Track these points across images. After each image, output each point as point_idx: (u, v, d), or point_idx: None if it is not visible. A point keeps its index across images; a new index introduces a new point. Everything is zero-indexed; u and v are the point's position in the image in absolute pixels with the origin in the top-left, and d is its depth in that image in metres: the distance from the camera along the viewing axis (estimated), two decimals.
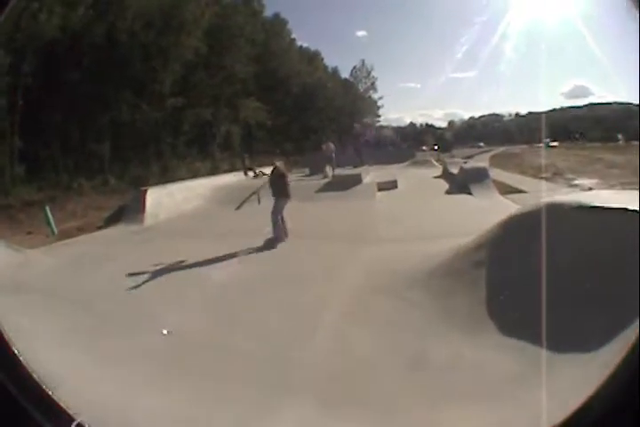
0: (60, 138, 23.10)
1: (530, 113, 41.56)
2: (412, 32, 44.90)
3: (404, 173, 23.23)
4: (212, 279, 9.05)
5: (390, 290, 7.40)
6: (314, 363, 5.52)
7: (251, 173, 25.98)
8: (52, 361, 4.41)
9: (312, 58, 41.68)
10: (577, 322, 4.67)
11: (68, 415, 2.41)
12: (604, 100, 43.98)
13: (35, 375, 2.45)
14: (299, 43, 41.12)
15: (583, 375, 3.31)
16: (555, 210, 6.01)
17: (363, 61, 41.63)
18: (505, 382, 4.52)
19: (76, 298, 8.31)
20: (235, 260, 10.43)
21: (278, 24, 37.90)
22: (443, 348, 5.46)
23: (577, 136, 42.28)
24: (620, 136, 39.68)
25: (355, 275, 8.59)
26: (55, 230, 16.27)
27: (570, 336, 4.55)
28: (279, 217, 12.34)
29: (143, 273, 9.68)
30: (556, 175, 20.69)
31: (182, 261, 10.48)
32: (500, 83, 42.70)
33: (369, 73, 41.66)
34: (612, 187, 16.37)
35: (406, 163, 29.52)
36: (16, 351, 2.49)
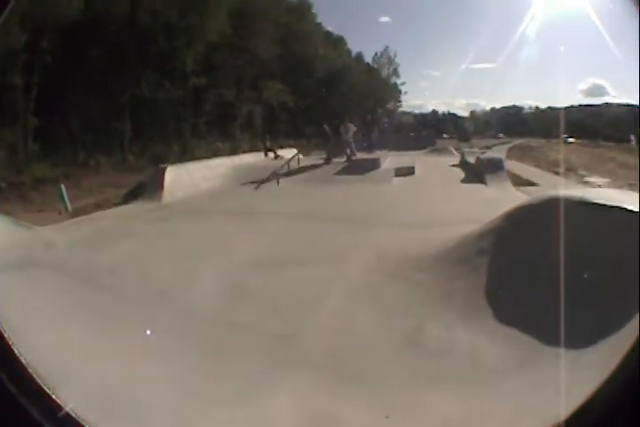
0: (79, 115, 22.62)
1: (549, 108, 40.89)
2: (436, 21, 43.99)
3: (422, 160, 22.88)
4: (224, 257, 8.71)
5: (397, 272, 7.22)
6: (315, 339, 5.46)
7: (271, 154, 25.52)
8: (54, 346, 4.57)
9: (337, 42, 41.11)
10: (571, 319, 4.35)
11: (69, 416, 2.36)
12: (618, 101, 43.21)
13: (35, 375, 2.40)
14: (325, 27, 40.46)
15: (583, 375, 3.16)
16: (558, 204, 5.72)
17: (386, 47, 40.90)
18: (497, 374, 4.41)
19: (85, 274, 7.90)
20: (249, 238, 10.09)
21: (303, 7, 37.32)
22: (438, 329, 5.43)
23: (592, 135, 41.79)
24: (632, 137, 39.24)
25: (362, 256, 8.37)
26: (69, 207, 15.87)
27: (568, 334, 4.24)
28: None
29: (157, 250, 9.46)
30: (569, 171, 20.70)
31: (197, 239, 10.21)
32: (521, 76, 41.86)
33: (391, 59, 41.03)
34: (619, 187, 16.52)
35: (426, 150, 29.14)
36: (16, 351, 2.45)
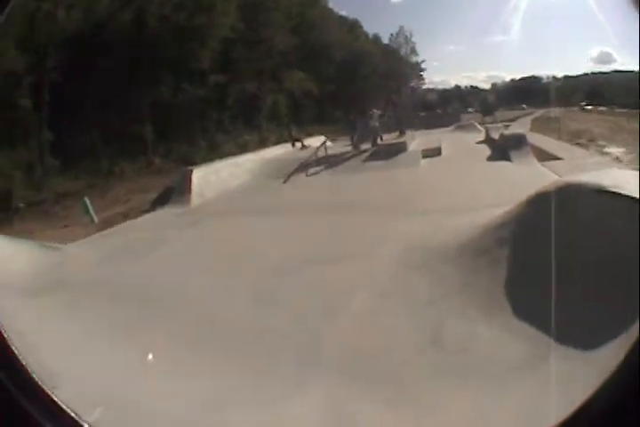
0: (97, 125, 22.20)
1: (566, 76, 40.16)
2: None
3: (448, 139, 22.39)
4: (252, 262, 8.56)
5: (421, 264, 7.14)
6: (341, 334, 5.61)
7: (298, 144, 24.98)
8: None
9: (352, 26, 40.45)
10: (581, 318, 4.39)
11: (69, 415, 2.34)
12: (626, 68, 42.42)
13: (35, 375, 2.38)
14: (337, 12, 39.76)
15: (583, 375, 3.15)
16: (574, 191, 5.79)
17: (401, 27, 40.19)
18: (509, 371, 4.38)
19: (115, 292, 7.74)
20: (277, 238, 9.99)
21: None
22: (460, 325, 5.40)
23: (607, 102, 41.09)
24: None
25: (389, 250, 8.22)
26: (95, 219, 15.50)
27: (573, 332, 4.28)
28: None
29: (188, 259, 9.26)
30: (589, 142, 20.40)
31: (226, 243, 10.06)
32: (537, 46, 41.05)
33: (408, 38, 40.36)
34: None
35: (451, 127, 28.35)
36: (16, 351, 2.43)
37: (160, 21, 23.81)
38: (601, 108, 37.51)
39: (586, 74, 39.80)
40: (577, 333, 4.21)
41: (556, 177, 9.85)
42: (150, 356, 5.53)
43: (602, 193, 5.17)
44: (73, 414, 2.33)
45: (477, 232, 7.28)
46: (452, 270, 6.58)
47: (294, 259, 8.26)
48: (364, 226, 10.02)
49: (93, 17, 21.68)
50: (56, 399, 2.34)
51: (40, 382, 2.37)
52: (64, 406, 2.34)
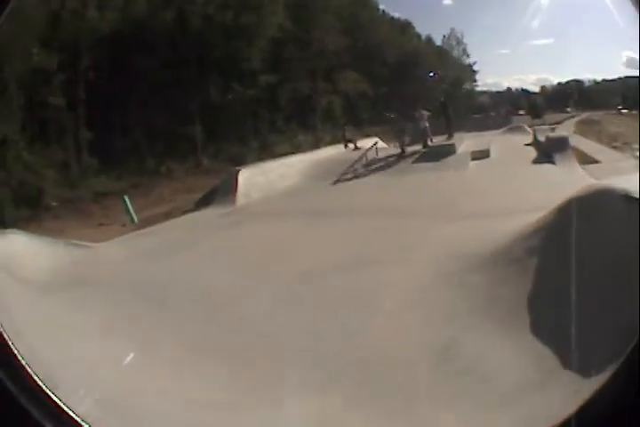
0: (140, 125, 22.10)
1: (604, 80, 40.00)
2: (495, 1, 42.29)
3: (498, 141, 22.34)
4: (283, 265, 8.54)
5: (451, 273, 7.17)
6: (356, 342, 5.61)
7: (351, 146, 24.17)
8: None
9: (404, 28, 39.72)
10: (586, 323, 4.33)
11: (69, 415, 2.31)
12: None
13: (34, 375, 2.33)
14: (389, 14, 38.76)
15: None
16: (607, 198, 5.58)
17: (452, 29, 39.94)
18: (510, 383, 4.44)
19: (136, 291, 7.72)
20: (316, 242, 9.85)
21: None
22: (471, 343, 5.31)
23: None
24: None
25: (425, 257, 8.21)
26: (135, 219, 15.25)
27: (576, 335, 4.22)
28: None
29: (217, 260, 9.15)
30: (625, 144, 19.89)
31: (265, 246, 9.79)
32: (577, 50, 40.67)
33: (459, 40, 40.07)
34: None
35: (502, 129, 28.35)
36: (16, 351, 2.38)
37: (204, 21, 23.65)
38: (634, 112, 37.53)
39: (619, 78, 39.89)
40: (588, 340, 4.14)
41: (593, 181, 9.74)
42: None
43: (629, 199, 4.93)
44: (73, 415, 2.32)
45: (509, 240, 7.38)
46: (482, 281, 6.59)
47: (326, 264, 8.23)
48: (406, 231, 10.01)
49: (130, 17, 21.54)
50: (56, 399, 2.31)
51: (40, 382, 2.33)
52: (64, 406, 2.31)
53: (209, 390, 4.78)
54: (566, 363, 4.21)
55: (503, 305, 5.81)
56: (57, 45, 19.14)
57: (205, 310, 6.75)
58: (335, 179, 17.47)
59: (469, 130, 26.21)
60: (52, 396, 2.32)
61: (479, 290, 6.39)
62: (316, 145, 26.73)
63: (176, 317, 6.61)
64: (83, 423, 2.33)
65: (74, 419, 2.32)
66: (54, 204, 17.40)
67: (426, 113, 22.22)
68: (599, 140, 22.20)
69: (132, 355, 5.31)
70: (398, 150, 21.11)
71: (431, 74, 35.65)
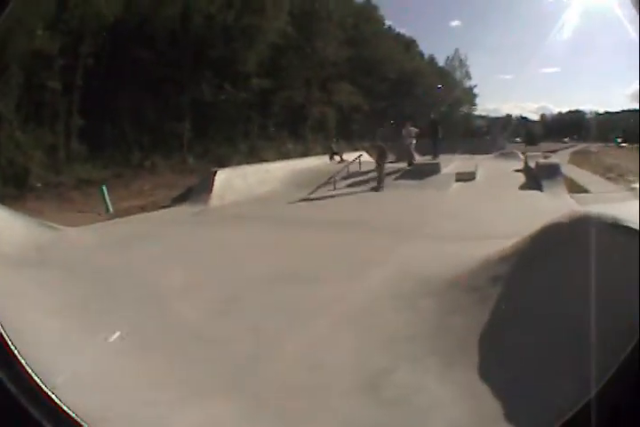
0: (132, 117, 22.20)
1: (606, 112, 40.13)
2: (504, 26, 42.44)
3: (486, 164, 22.49)
4: (230, 269, 8.57)
5: (404, 296, 6.86)
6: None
7: (337, 158, 24.81)
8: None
9: (408, 45, 39.77)
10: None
11: (69, 416, 2.38)
12: None
13: (35, 375, 2.41)
14: (395, 30, 39.19)
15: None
16: (587, 224, 5.49)
17: (456, 50, 40.06)
18: None
19: (87, 277, 8.00)
20: (271, 250, 9.85)
21: (368, 9, 36.05)
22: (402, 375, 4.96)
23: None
24: None
25: (377, 275, 7.96)
26: (111, 209, 15.56)
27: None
28: None
29: (175, 258, 9.25)
30: (619, 176, 20.14)
31: (221, 249, 9.99)
32: (582, 80, 41.03)
33: (462, 62, 40.19)
34: None
35: (494, 154, 28.71)
36: (16, 351, 2.45)
37: (206, 19, 23.81)
38: (635, 145, 37.80)
39: (623, 111, 39.95)
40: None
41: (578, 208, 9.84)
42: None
43: (609, 225, 5.01)
44: (73, 415, 2.38)
45: (474, 266, 7.11)
46: (433, 308, 6.33)
47: (275, 274, 8.13)
48: (369, 247, 9.85)
49: (135, 9, 21.69)
50: (56, 399, 2.37)
51: (40, 382, 2.39)
52: (64, 406, 2.37)
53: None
54: (507, 412, 3.99)
55: (450, 336, 5.49)
56: (61, 28, 19.23)
57: (145, 302, 6.87)
58: (312, 189, 17.56)
59: (462, 152, 26.45)
60: (52, 396, 2.39)
61: (428, 316, 6.10)
62: (304, 155, 26.85)
63: (118, 304, 6.78)
64: (82, 423, 2.40)
65: (73, 419, 2.39)
66: (38, 185, 17.55)
67: (413, 129, 22.06)
68: (594, 171, 22.13)
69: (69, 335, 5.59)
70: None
71: (440, 86, 35.87)
